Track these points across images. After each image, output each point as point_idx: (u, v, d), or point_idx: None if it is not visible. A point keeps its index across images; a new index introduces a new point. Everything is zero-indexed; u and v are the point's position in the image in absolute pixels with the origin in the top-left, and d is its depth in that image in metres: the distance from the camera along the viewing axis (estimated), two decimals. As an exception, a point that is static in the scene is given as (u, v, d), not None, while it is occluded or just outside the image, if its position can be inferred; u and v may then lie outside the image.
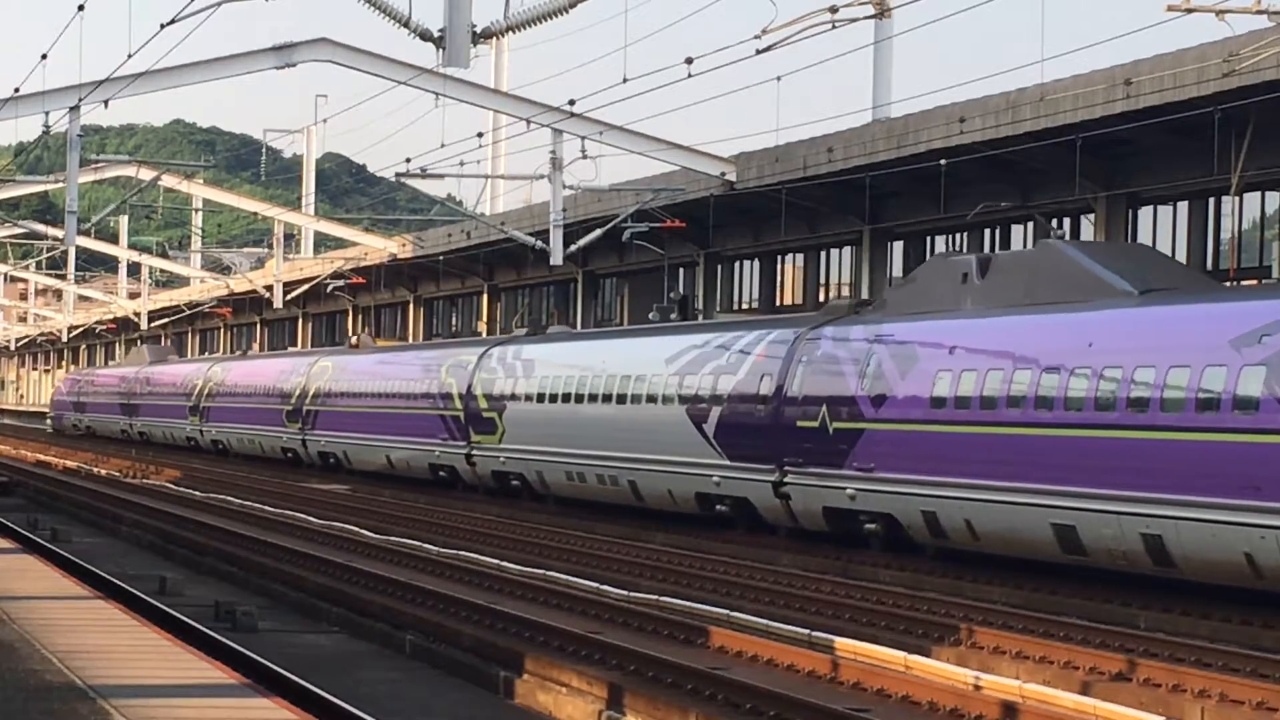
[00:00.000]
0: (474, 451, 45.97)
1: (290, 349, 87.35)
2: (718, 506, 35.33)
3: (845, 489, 31.03)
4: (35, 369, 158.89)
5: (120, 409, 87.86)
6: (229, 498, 45.20)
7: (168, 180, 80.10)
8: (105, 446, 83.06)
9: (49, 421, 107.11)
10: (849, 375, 31.47)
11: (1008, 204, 36.63)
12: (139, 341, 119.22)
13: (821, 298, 50.50)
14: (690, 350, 36.99)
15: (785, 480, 32.86)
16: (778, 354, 34.00)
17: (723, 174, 47.97)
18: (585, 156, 46.47)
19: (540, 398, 42.43)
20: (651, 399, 37.54)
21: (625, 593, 24.98)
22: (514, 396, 43.82)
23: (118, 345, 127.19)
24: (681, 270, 56.82)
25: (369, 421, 54.06)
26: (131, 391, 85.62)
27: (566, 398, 41.00)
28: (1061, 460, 26.33)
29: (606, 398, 39.32)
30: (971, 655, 19.96)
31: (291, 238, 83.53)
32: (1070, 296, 27.75)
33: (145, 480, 55.83)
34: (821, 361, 32.57)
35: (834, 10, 29.51)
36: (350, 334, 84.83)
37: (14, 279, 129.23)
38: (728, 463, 34.76)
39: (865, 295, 46.10)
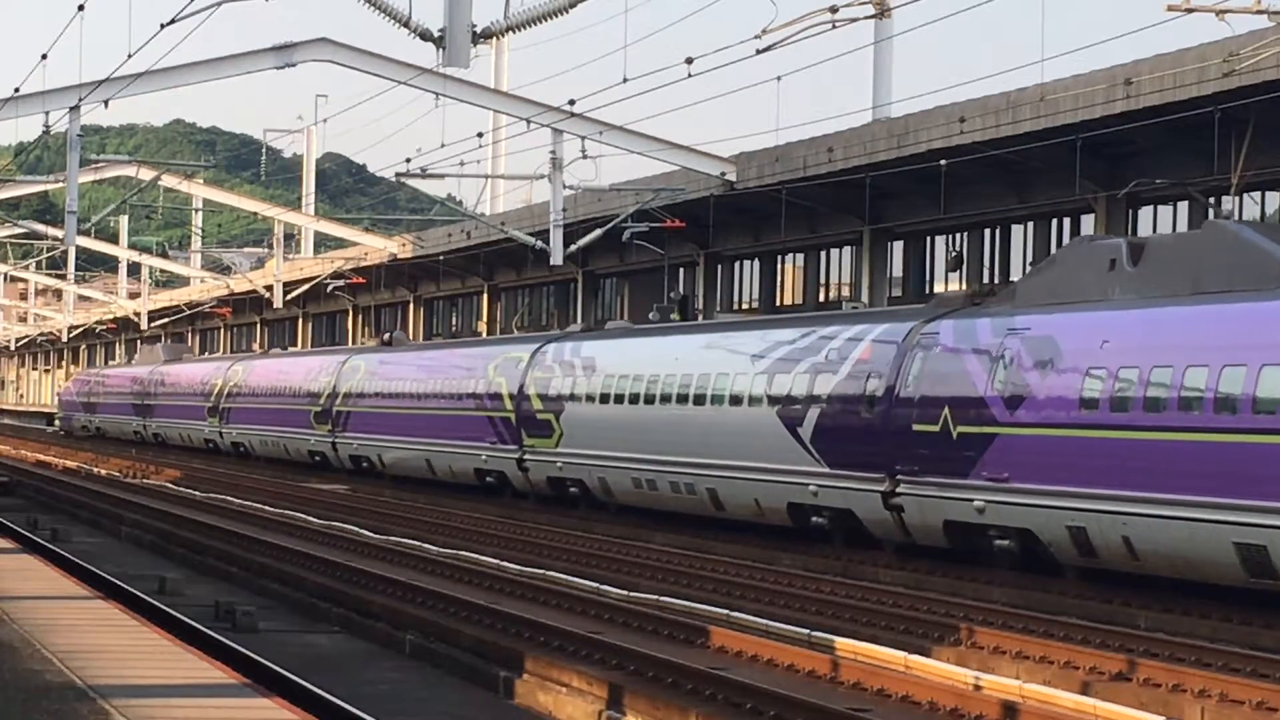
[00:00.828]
0: (527, 456, 43.03)
1: (319, 346, 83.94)
2: (814, 519, 32.16)
3: (972, 500, 27.75)
4: (35, 369, 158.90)
5: (133, 410, 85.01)
6: (229, 498, 45.20)
7: (168, 180, 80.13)
8: (105, 446, 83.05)
9: (57, 422, 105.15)
10: (976, 373, 28.24)
11: (1162, 181, 33.17)
12: (139, 342, 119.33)
13: (821, 298, 50.52)
14: (780, 347, 33.99)
15: (898, 490, 29.61)
16: (887, 350, 30.80)
17: (723, 174, 47.98)
18: (585, 156, 46.52)
19: (604, 398, 39.48)
20: (736, 400, 34.53)
21: (625, 593, 24.97)
22: (574, 397, 40.86)
23: (118, 345, 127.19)
24: (681, 270, 56.82)
25: (407, 424, 50.96)
26: (145, 391, 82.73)
27: (635, 398, 38.13)
28: (1249, 471, 23.36)
29: (683, 398, 36.34)
30: (971, 655, 19.96)
31: (291, 238, 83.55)
32: (1245, 284, 24.66)
33: (145, 480, 55.82)
34: (941, 358, 29.29)
35: (834, 10, 29.52)
36: (355, 333, 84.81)
37: (14, 279, 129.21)
38: (827, 470, 31.67)
39: (865, 295, 46.14)
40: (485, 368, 46.01)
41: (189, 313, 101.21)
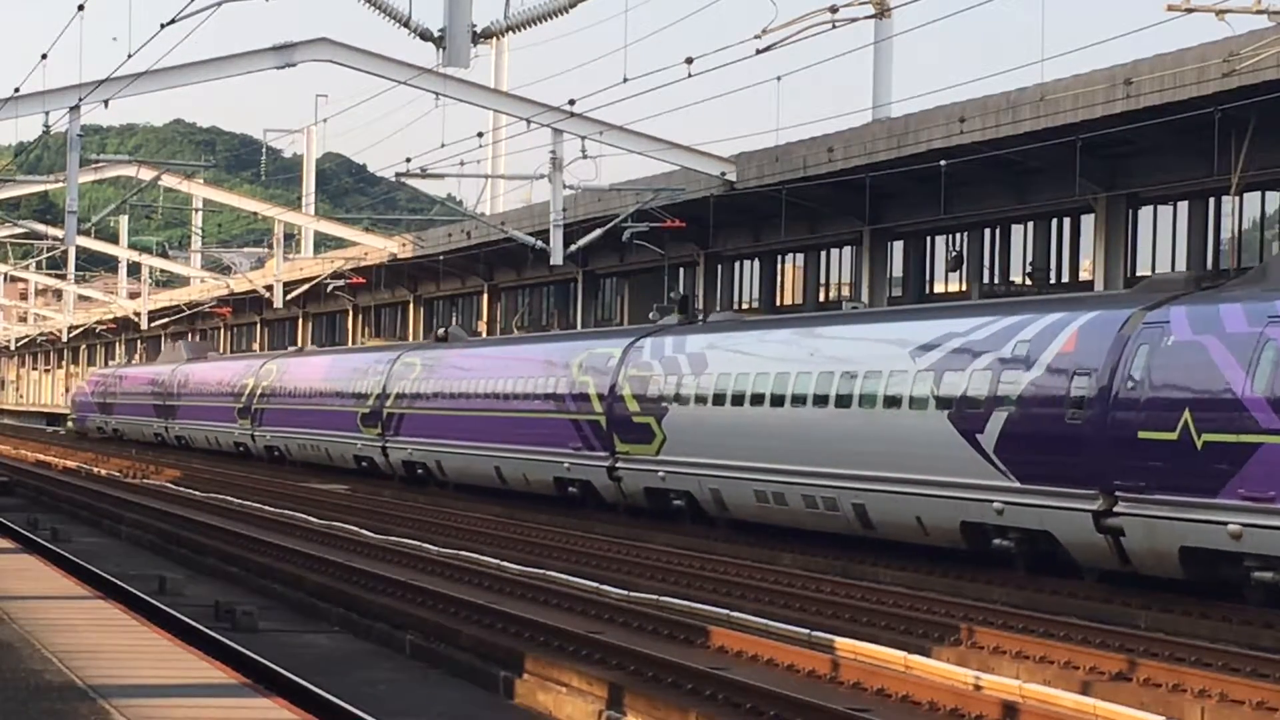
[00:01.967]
0: (619, 464, 38.98)
1: (364, 343, 77.12)
2: (996, 541, 27.71)
3: (1225, 524, 23.37)
4: (35, 369, 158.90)
5: (154, 410, 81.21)
6: (229, 497, 45.20)
7: (168, 180, 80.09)
8: (105, 446, 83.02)
9: (70, 423, 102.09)
10: (1229, 370, 23.89)
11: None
12: (138, 342, 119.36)
13: (821, 298, 50.51)
14: (951, 339, 29.43)
15: (1115, 510, 25.25)
16: (1098, 342, 26.34)
17: (723, 174, 47.97)
18: (585, 156, 46.48)
19: (719, 399, 35.26)
20: (893, 401, 30.06)
21: (625, 593, 24.98)
22: (680, 398, 36.69)
23: (118, 345, 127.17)
24: (681, 270, 56.81)
25: (471, 427, 46.63)
26: (167, 391, 78.97)
27: (759, 399, 33.82)
28: None
29: (821, 399, 31.97)
30: (971, 655, 19.96)
31: (291, 238, 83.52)
32: None
33: (145, 480, 55.82)
34: (1177, 351, 24.81)
35: (834, 10, 29.51)
36: (355, 333, 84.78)
37: (14, 279, 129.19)
38: (1015, 484, 27.13)
39: (865, 295, 46.14)
40: (567, 365, 42.09)
41: (189, 313, 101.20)
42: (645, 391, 38.14)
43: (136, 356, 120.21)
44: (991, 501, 27.56)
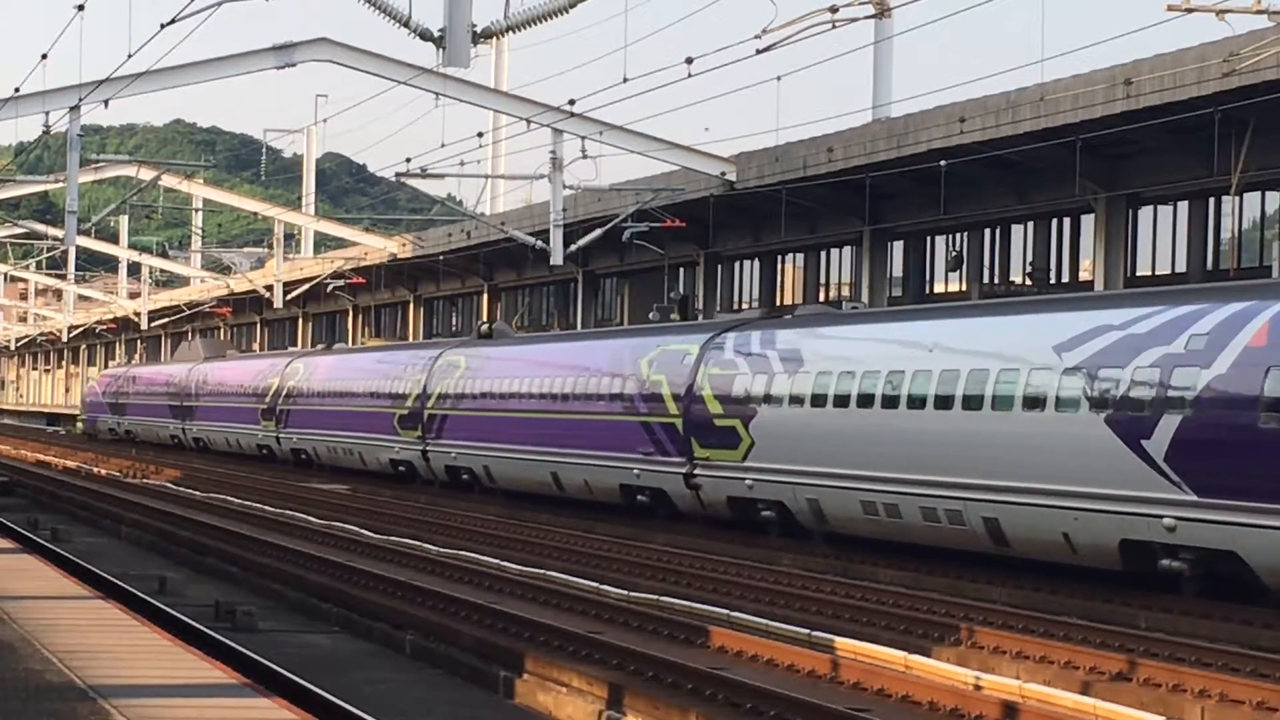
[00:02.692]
0: (699, 471, 35.94)
1: (401, 340, 75.34)
2: (1165, 561, 24.80)
3: None
4: (35, 369, 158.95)
5: (170, 411, 77.88)
6: (229, 498, 45.19)
7: (168, 180, 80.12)
8: (105, 446, 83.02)
9: (79, 424, 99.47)
10: None
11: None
12: (139, 342, 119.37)
13: (821, 298, 50.51)
14: (1105, 332, 26.27)
15: None
16: None
17: (723, 174, 47.98)
18: (585, 156, 46.50)
19: (818, 400, 32.13)
20: (1034, 402, 26.84)
21: (625, 593, 24.98)
22: (771, 398, 33.51)
23: (118, 345, 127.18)
24: (681, 270, 56.82)
25: (523, 430, 43.43)
26: (184, 391, 75.64)
27: (867, 400, 30.72)
28: None
29: (944, 400, 28.76)
30: (971, 655, 19.96)
31: (291, 238, 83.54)
32: None
33: (145, 480, 55.81)
34: None
35: (834, 10, 29.51)
36: (355, 333, 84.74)
37: (14, 279, 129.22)
38: (1191, 498, 24.18)
39: (865, 296, 46.15)
40: (635, 363, 39.06)
41: (189, 313, 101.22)
42: (729, 392, 35.05)
43: (138, 356, 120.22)
44: (1161, 517, 24.50)
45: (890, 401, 30.11)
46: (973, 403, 28.23)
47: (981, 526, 27.79)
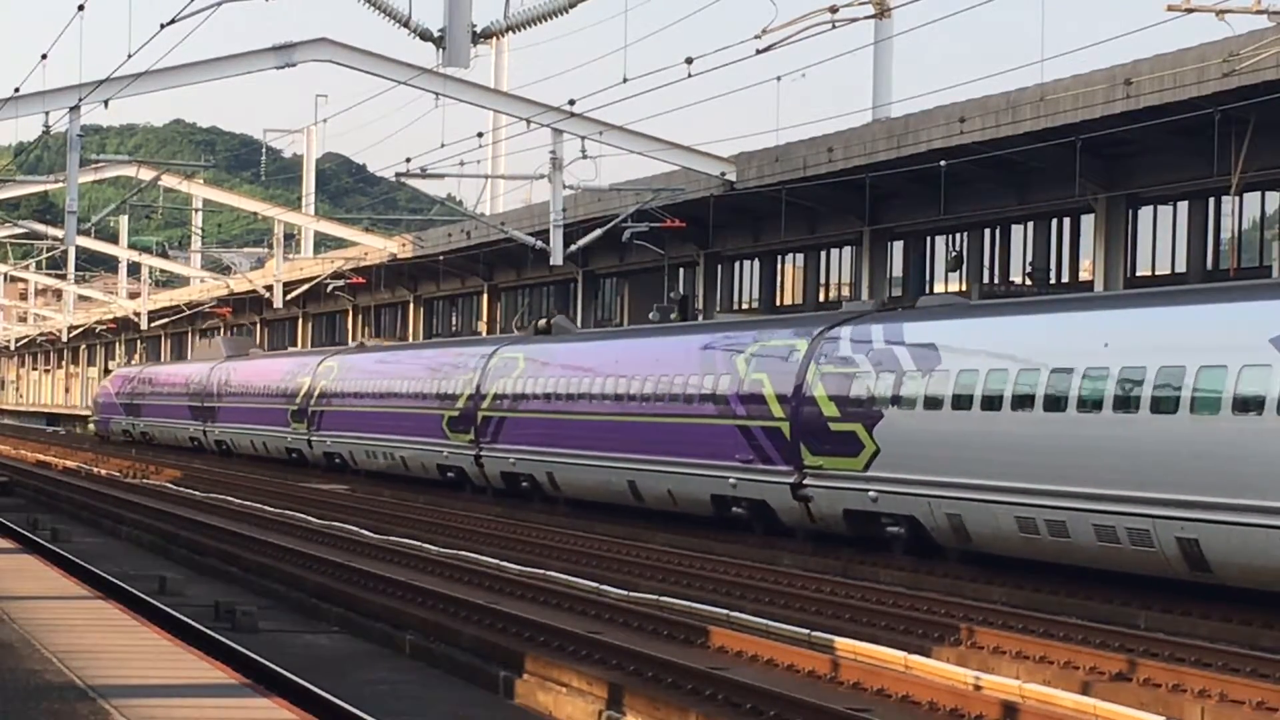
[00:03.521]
0: (810, 481, 32.25)
1: (445, 337, 71.18)
2: None
3: None
4: (35, 369, 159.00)
5: (190, 413, 74.27)
6: (229, 498, 45.19)
7: (168, 180, 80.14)
8: (105, 446, 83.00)
9: (90, 426, 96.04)
10: None
11: None
12: (138, 342, 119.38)
13: (821, 298, 50.51)
14: None
15: None
16: None
17: (723, 174, 47.98)
18: (585, 156, 46.51)
19: (961, 402, 28.57)
20: (1247, 404, 23.43)
21: (625, 593, 24.97)
22: (899, 400, 29.95)
23: (118, 345, 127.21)
24: (681, 270, 56.81)
25: (595, 434, 39.77)
26: (206, 391, 72.04)
27: (1023, 402, 27.10)
28: None
29: (1124, 402, 25.28)
30: (971, 655, 19.96)
31: (291, 238, 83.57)
32: None
33: (145, 480, 55.81)
34: None
35: (834, 10, 29.51)
36: (355, 334, 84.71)
37: (14, 279, 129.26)
38: None
39: (865, 295, 46.13)
40: (730, 360, 35.52)
41: (189, 313, 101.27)
42: (848, 392, 31.35)
43: (138, 356, 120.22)
44: None
45: (1055, 403, 26.49)
46: (1163, 405, 24.70)
47: (1174, 548, 24.29)
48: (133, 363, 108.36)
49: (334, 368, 58.57)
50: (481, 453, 45.69)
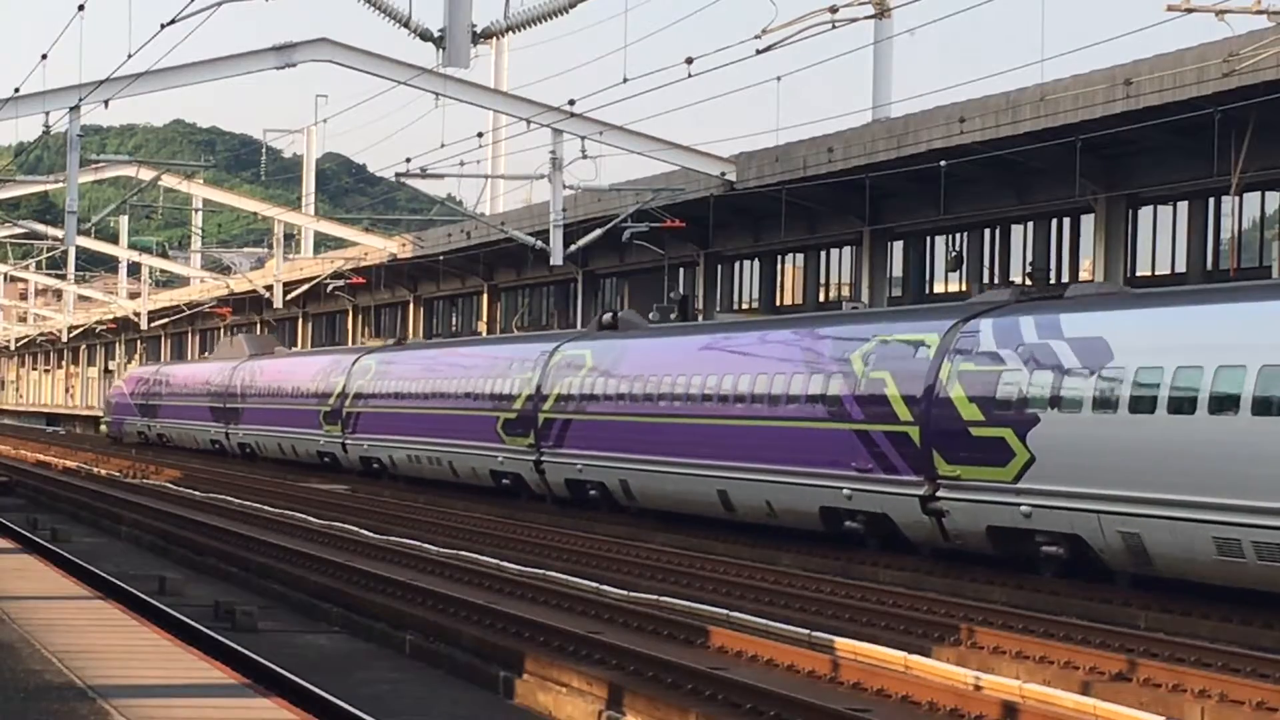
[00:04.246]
0: (945, 493, 28.75)
1: (503, 334, 65.55)
2: None
3: None
4: (35, 369, 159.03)
5: (211, 414, 71.23)
6: (229, 498, 45.19)
7: (168, 180, 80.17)
8: (105, 446, 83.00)
9: (103, 427, 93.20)
10: None
11: None
12: (138, 342, 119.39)
13: (821, 298, 50.51)
14: None
15: None
16: None
17: (723, 174, 47.98)
18: (585, 156, 46.51)
19: (1141, 404, 25.12)
20: None
21: (625, 593, 24.97)
22: (1060, 402, 26.52)
23: (118, 345, 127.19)
24: (681, 270, 56.82)
25: (678, 438, 36.47)
26: (229, 392, 68.97)
27: (1226, 403, 23.67)
28: None
29: None
30: (971, 655, 19.96)
31: (291, 238, 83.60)
32: None
33: (145, 480, 55.81)
34: None
35: (834, 10, 29.52)
36: (355, 334, 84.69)
37: (14, 279, 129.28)
38: None
39: (865, 296, 46.15)
40: (844, 357, 32.06)
41: (189, 313, 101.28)
42: (993, 393, 27.88)
43: (138, 356, 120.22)
44: None
45: (1265, 406, 23.11)
46: None
47: None
48: (133, 361, 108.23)
49: (371, 366, 55.45)
50: (542, 458, 42.32)
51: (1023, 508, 27.00)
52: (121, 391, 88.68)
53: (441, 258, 68.42)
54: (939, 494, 28.94)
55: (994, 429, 27.75)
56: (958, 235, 44.66)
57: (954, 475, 28.66)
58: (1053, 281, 41.68)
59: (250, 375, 67.59)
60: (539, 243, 48.89)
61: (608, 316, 44.46)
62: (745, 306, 53.57)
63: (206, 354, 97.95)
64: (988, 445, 27.92)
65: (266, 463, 64.95)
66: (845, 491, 31.22)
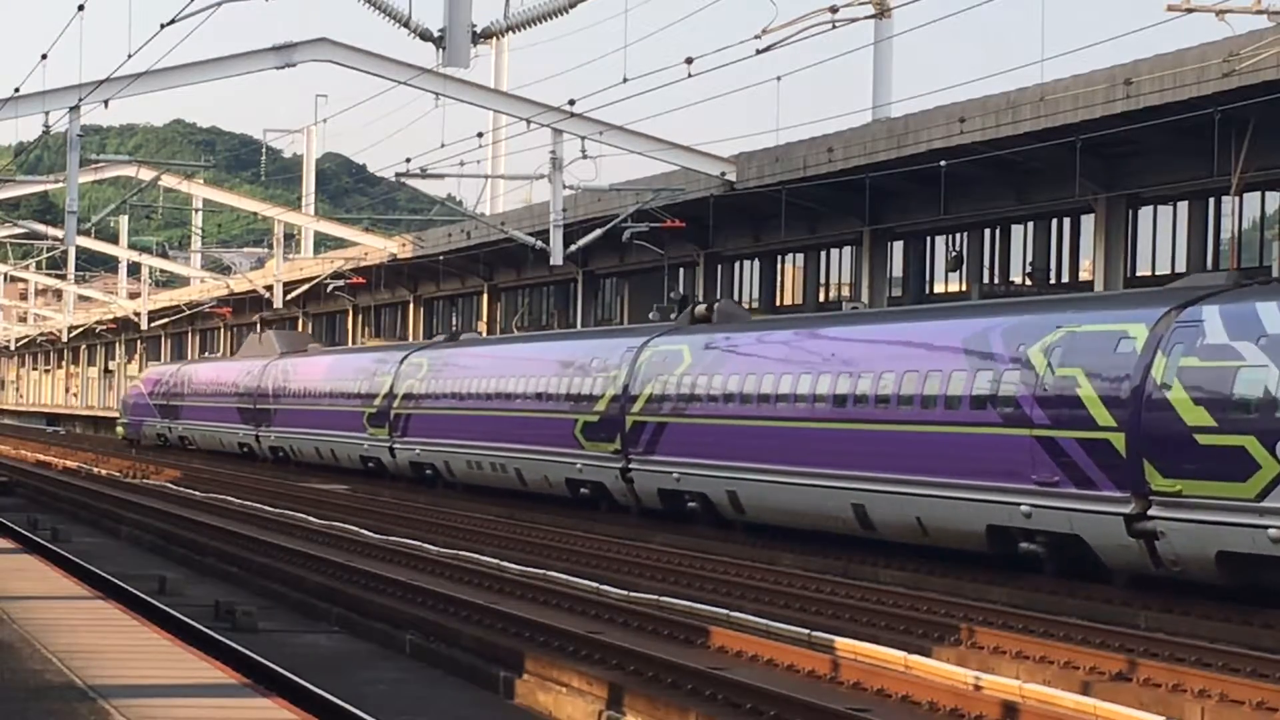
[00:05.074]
0: (1159, 512, 24.42)
1: (570, 328, 61.58)
2: None
3: None
4: (35, 369, 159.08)
5: (240, 416, 67.42)
6: (229, 498, 45.19)
7: (168, 180, 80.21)
8: (105, 446, 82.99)
9: (119, 429, 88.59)
10: None
11: None
12: (138, 342, 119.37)
13: (821, 298, 50.51)
14: None
15: None
16: None
17: (723, 174, 47.99)
18: (585, 156, 46.52)
19: None
20: None
21: (625, 593, 24.97)
22: None
23: (118, 345, 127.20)
24: (681, 270, 56.82)
25: (802, 444, 32.25)
26: (260, 392, 65.06)
27: None
28: None
29: None
30: (971, 655, 19.96)
31: (291, 238, 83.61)
32: None
33: (145, 480, 55.80)
34: None
35: (834, 10, 29.52)
36: (355, 333, 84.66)
37: (14, 279, 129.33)
38: None
39: (865, 296, 46.15)
40: (1020, 350, 27.50)
41: (189, 313, 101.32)
42: (1229, 392, 23.70)
43: (138, 356, 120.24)
44: None
45: None
46: None
47: None
48: (133, 361, 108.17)
49: (423, 364, 51.22)
50: (631, 466, 38.24)
51: (1271, 531, 22.72)
52: (139, 392, 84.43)
53: (441, 258, 68.44)
54: (1152, 513, 24.55)
55: (1230, 436, 23.44)
56: (958, 235, 44.66)
57: (1173, 491, 24.23)
58: (1053, 281, 41.72)
59: (283, 374, 63.72)
60: (539, 243, 48.91)
61: (700, 308, 39.98)
62: (745, 307, 53.54)
63: (206, 351, 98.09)
64: (1221, 456, 23.58)
65: (268, 464, 64.80)
66: (1023, 508, 26.73)
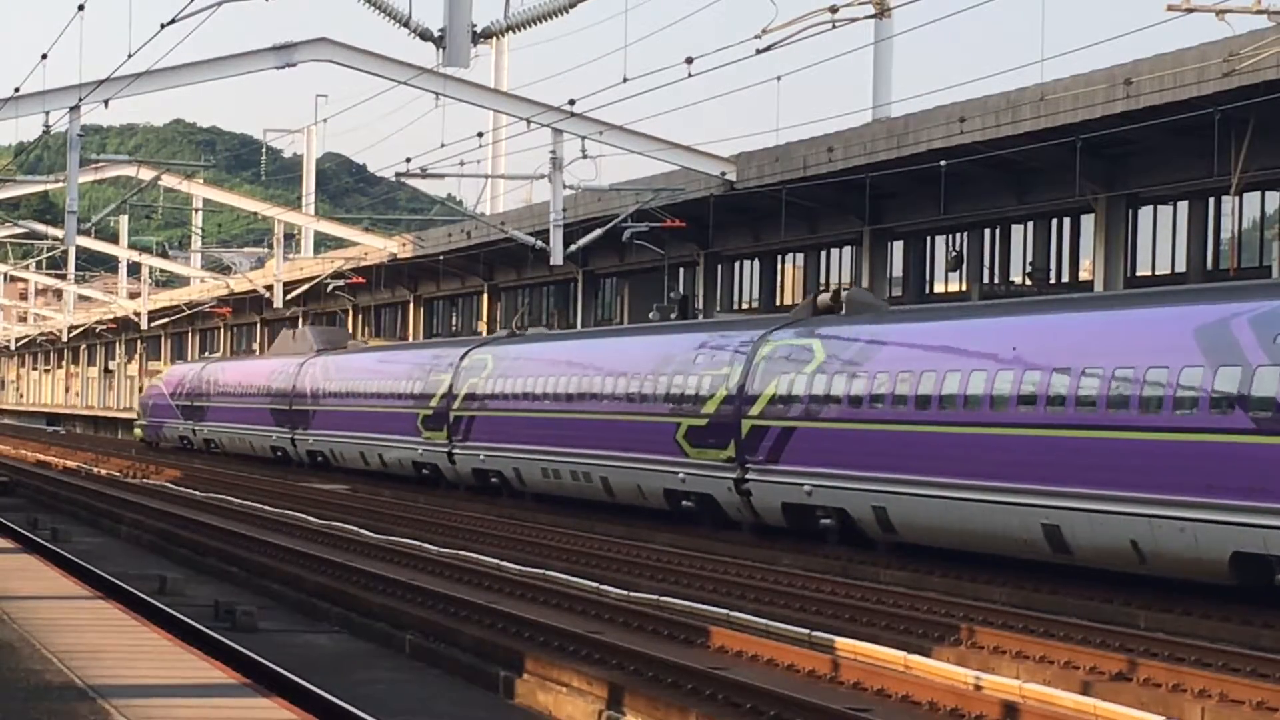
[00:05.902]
0: None
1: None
2: None
3: None
4: (35, 369, 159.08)
5: (273, 417, 62.86)
6: (229, 497, 45.18)
7: (168, 180, 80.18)
8: (105, 446, 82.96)
9: (136, 431, 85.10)
10: None
11: None
12: (138, 342, 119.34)
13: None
14: None
15: None
16: None
17: (723, 174, 47.99)
18: (585, 156, 46.53)
19: None
20: None
21: (625, 593, 24.97)
22: None
23: (118, 345, 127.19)
24: (681, 270, 56.82)
25: (970, 453, 27.95)
26: (296, 392, 60.50)
27: None
28: None
29: None
30: (971, 655, 19.96)
31: (291, 238, 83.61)
32: None
33: (145, 480, 55.79)
34: None
35: (834, 10, 29.51)
36: (354, 333, 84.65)
37: (14, 279, 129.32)
38: None
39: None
40: (1274, 341, 23.03)
41: (189, 313, 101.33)
42: None
43: (138, 356, 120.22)
44: None
45: None
46: None
47: None
48: (133, 361, 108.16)
49: (486, 361, 46.79)
50: (748, 476, 34.06)
51: None
52: (160, 391, 79.34)
53: (441, 258, 68.44)
54: None
55: None
56: (958, 235, 44.66)
57: None
58: (1053, 281, 41.72)
59: (322, 372, 58.98)
60: (539, 243, 48.91)
61: (824, 297, 35.41)
62: (745, 306, 53.57)
63: (206, 351, 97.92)
64: None
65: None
66: (1184, 530, 23.50)
